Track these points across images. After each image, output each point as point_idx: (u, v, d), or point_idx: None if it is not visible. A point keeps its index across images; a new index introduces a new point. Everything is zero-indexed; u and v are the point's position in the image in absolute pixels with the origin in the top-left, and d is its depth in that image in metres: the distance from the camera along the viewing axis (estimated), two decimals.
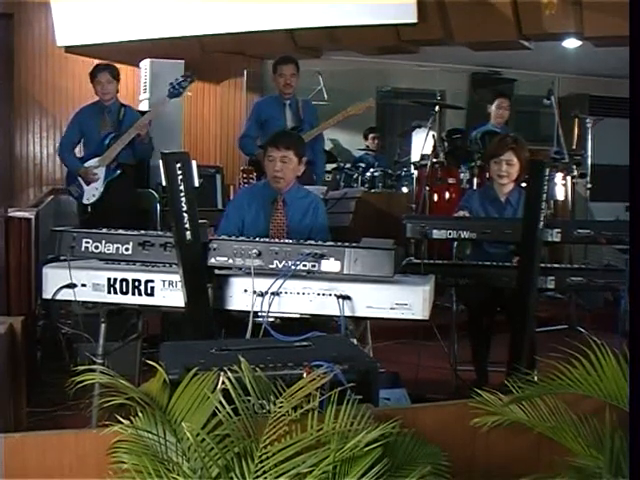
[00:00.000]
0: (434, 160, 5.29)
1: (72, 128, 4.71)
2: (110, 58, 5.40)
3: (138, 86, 6.46)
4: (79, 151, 4.79)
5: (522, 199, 3.20)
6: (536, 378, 1.84)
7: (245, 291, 2.39)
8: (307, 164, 4.97)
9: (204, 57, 6.72)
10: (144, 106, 6.03)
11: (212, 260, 2.42)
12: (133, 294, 2.46)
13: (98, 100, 4.68)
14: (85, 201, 4.58)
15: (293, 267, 2.34)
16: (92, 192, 4.57)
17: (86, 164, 4.57)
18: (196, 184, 2.38)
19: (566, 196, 5.02)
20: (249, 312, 2.34)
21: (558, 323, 4.45)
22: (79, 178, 4.58)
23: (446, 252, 3.97)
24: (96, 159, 4.58)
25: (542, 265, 2.95)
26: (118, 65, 4.79)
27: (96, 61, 5.12)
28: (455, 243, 3.74)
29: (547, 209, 2.96)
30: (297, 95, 4.89)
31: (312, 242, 2.43)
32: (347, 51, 6.86)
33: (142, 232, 2.51)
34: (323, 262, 2.35)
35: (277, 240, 2.49)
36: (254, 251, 2.38)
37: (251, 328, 2.30)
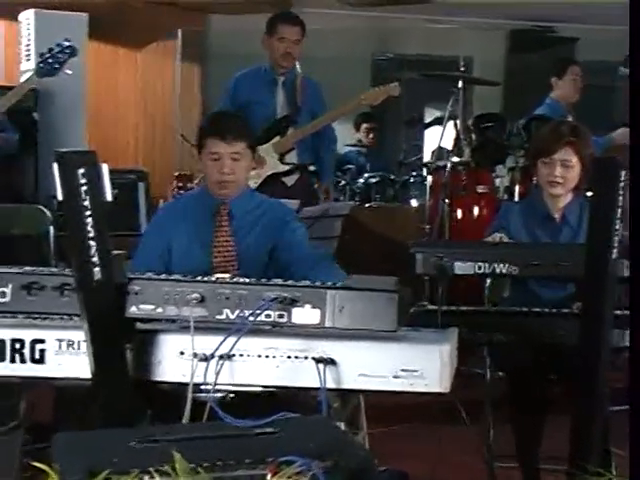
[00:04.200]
0: (457, 160, 5.36)
1: None
2: None
3: (17, 51, 6.43)
4: None
5: (585, 216, 3.25)
6: None
7: (181, 354, 2.39)
8: (305, 170, 5.16)
9: (118, 9, 6.76)
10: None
11: (133, 309, 2.42)
12: (12, 361, 2.43)
13: None
14: None
15: (252, 318, 2.35)
16: None
17: None
18: (108, 198, 2.38)
19: None
20: (187, 384, 2.34)
21: None
22: None
23: (475, 294, 4.01)
24: None
25: (617, 312, 2.99)
26: None
27: None
28: (488, 281, 3.77)
29: (624, 230, 3.00)
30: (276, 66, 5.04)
31: (279, 281, 2.45)
32: (329, 1, 6.97)
33: (26, 269, 2.50)
34: (295, 310, 2.36)
35: (228, 279, 2.51)
36: (195, 295, 2.39)
37: (190, 408, 2.31)
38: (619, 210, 2.80)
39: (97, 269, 2.35)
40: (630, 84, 2.03)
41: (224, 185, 3.23)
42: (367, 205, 6.39)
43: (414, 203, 6.40)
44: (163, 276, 2.50)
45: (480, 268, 3.07)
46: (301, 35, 5.03)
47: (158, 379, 2.42)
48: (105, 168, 2.40)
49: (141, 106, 7.37)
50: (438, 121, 5.91)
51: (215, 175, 3.23)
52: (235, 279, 2.51)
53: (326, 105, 5.18)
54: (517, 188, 5.23)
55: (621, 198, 2.80)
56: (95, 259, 2.35)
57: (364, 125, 7.74)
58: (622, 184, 2.80)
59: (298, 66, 5.12)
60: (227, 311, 2.39)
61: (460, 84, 5.52)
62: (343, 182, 6.73)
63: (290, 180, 5.08)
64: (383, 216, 6.12)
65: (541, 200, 3.60)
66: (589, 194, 3.49)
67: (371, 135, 7.77)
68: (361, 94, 5.06)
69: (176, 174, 5.15)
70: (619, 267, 2.89)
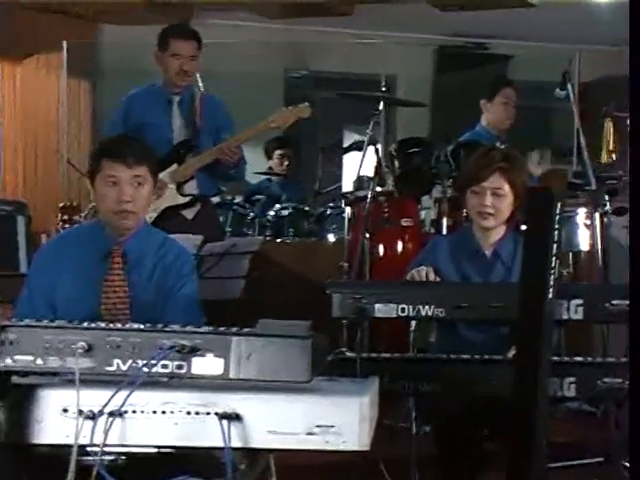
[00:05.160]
0: (378, 189, 5.40)
1: None
2: None
3: None
4: None
5: (519, 252, 3.30)
6: None
7: (65, 411, 2.35)
8: (207, 202, 5.12)
9: None
10: None
11: (7, 361, 2.38)
12: None
13: None
14: None
15: (146, 369, 2.33)
16: None
17: None
18: None
19: (593, 245, 5.14)
20: (71, 446, 2.30)
21: (587, 453, 4.52)
22: None
23: (398, 340, 4.03)
24: None
25: (555, 359, 3.04)
26: None
27: None
28: (413, 325, 3.80)
29: (562, 267, 3.04)
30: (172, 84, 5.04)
31: (177, 327, 2.43)
32: (236, 12, 7.00)
33: None
34: (196, 360, 2.35)
35: (119, 325, 2.48)
36: (80, 344, 2.36)
37: (74, 473, 2.27)
38: (555, 245, 2.85)
39: None
40: (630, 84, 2.18)
41: (124, 215, 3.18)
42: (279, 240, 6.39)
43: (331, 238, 6.40)
44: (43, 323, 2.46)
45: (403, 310, 3.09)
46: (197, 50, 5.03)
47: (37, 441, 2.38)
48: None
49: (20, 127, 7.27)
50: (357, 146, 5.94)
51: (113, 204, 3.18)
52: (127, 325, 2.49)
53: (233, 125, 5.17)
54: (445, 221, 5.26)
55: (557, 232, 2.85)
56: None
57: (277, 152, 7.73)
58: (557, 217, 2.86)
59: (200, 83, 5.12)
60: (118, 362, 2.37)
61: (382, 105, 5.53)
62: (252, 214, 6.70)
63: (190, 213, 5.06)
64: (297, 252, 6.13)
65: (471, 234, 3.66)
66: (523, 228, 3.56)
67: (285, 162, 7.76)
68: (270, 116, 5.06)
69: (61, 205, 5.08)
70: (557, 309, 2.95)
